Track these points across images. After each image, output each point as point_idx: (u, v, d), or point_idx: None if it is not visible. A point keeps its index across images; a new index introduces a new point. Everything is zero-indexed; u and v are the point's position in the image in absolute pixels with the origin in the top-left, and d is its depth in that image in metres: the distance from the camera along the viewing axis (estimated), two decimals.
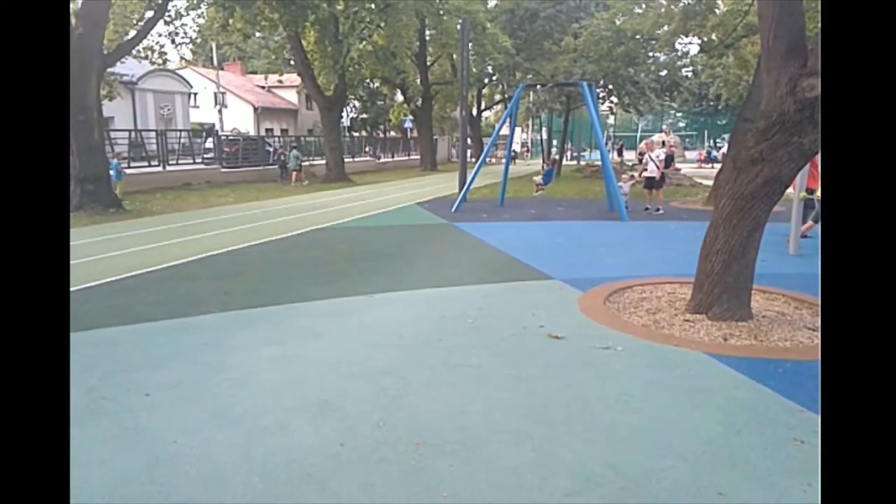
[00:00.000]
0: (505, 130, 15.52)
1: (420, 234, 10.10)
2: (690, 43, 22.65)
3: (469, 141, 23.99)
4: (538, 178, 15.16)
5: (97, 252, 8.33)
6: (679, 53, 22.87)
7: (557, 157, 26.93)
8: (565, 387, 3.70)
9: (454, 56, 28.99)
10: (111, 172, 15.42)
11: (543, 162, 16.71)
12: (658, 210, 12.70)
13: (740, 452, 2.90)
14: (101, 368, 3.98)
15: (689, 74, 25.40)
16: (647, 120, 46.71)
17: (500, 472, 2.73)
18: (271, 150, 25.11)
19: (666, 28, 17.98)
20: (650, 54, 21.20)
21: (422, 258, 7.93)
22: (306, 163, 22.47)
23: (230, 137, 25.15)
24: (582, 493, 2.58)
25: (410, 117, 33.87)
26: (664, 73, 22.87)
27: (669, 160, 16.63)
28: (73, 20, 12.48)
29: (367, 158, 32.40)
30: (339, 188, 19.99)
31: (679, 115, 51.39)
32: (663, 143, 18.78)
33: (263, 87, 41.01)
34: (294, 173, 20.71)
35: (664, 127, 39.34)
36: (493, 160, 34.14)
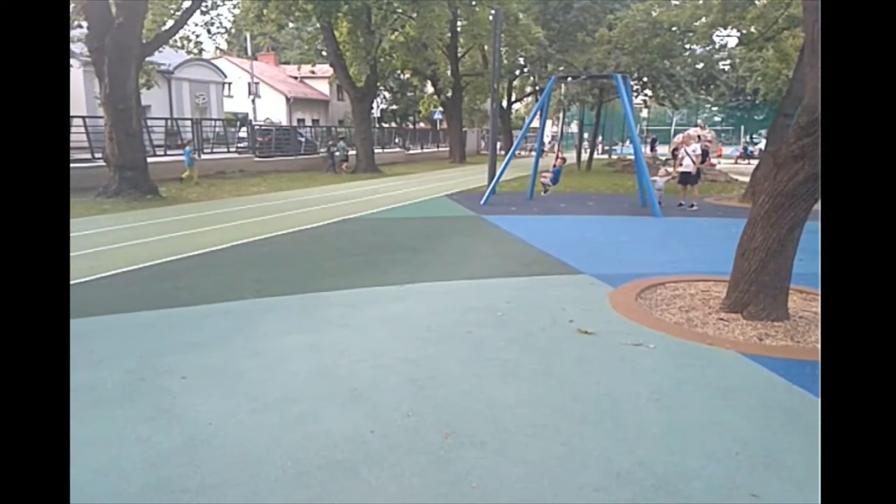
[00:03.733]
0: (535, 123, 15.37)
1: (449, 227, 10.10)
2: (729, 35, 22.11)
3: (499, 133, 23.86)
4: (546, 178, 14.05)
5: (135, 237, 8.55)
6: (717, 46, 22.31)
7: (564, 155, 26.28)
8: (595, 383, 3.67)
9: (485, 47, 28.78)
10: (184, 159, 16.25)
11: (557, 157, 14.80)
12: (692, 206, 12.46)
13: (774, 454, 2.85)
14: (138, 351, 4.09)
15: (727, 68, 24.75)
16: (681, 114, 45.75)
17: (528, 466, 2.73)
18: (303, 140, 25.40)
19: (704, 20, 17.54)
20: (687, 46, 20.72)
21: (450, 250, 7.94)
22: (337, 153, 22.93)
23: (263, 127, 25.50)
24: (611, 489, 2.56)
25: (440, 109, 33.83)
26: (701, 65, 22.33)
27: (705, 155, 16.27)
28: (113, 10, 12.77)
29: (397, 150, 32.51)
30: (369, 179, 20.11)
31: (715, 109, 50.21)
32: (699, 137, 18.39)
33: (296, 78, 41.41)
34: (342, 163, 22.11)
35: (699, 121, 38.49)
36: (523, 153, 33.94)
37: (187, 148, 17.11)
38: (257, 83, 35.52)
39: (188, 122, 21.46)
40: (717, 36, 20.96)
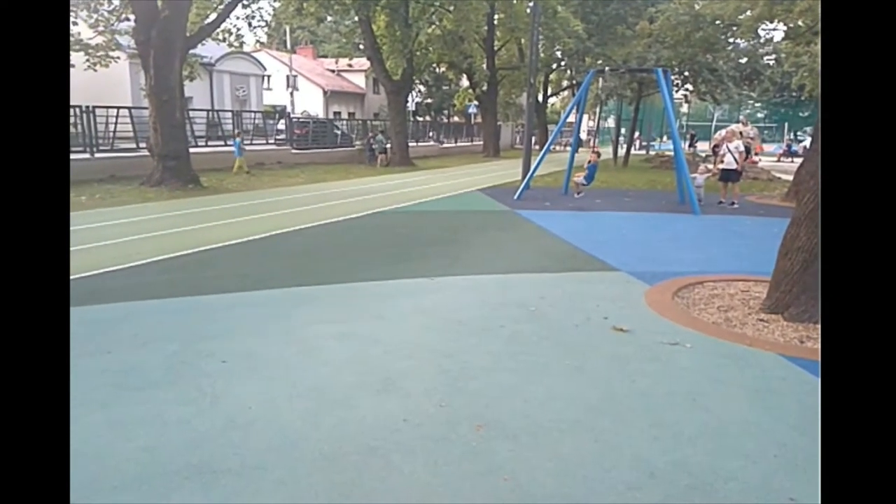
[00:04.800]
0: (572, 117, 15.19)
1: (482, 221, 10.10)
2: (775, 29, 21.36)
3: (534, 128, 23.68)
4: (579, 177, 13.01)
5: (176, 225, 8.79)
6: (762, 40, 21.63)
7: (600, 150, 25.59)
8: (629, 381, 3.64)
9: (522, 41, 28.56)
10: (234, 149, 16.82)
11: (591, 153, 13.47)
12: (733, 204, 12.16)
13: (814, 458, 2.78)
14: (180, 335, 4.22)
15: (772, 62, 23.99)
16: (723, 109, 44.55)
17: (560, 461, 2.73)
18: (339, 133, 25.68)
19: (749, 13, 17.02)
20: (730, 40, 20.15)
21: (483, 244, 7.93)
22: (376, 146, 23.29)
23: (301, 120, 25.85)
24: (645, 487, 2.54)
25: (475, 103, 33.71)
26: (744, 60, 21.70)
27: (747, 152, 15.82)
28: (159, 4, 13.10)
29: (431, 143, 32.54)
30: (403, 172, 20.21)
31: (758, 105, 48.73)
32: (740, 134, 17.91)
33: (333, 71, 41.81)
34: (380, 156, 22.42)
35: (741, 117, 37.45)
36: (558, 147, 33.59)
37: (237, 139, 17.62)
38: (295, 76, 36.00)
39: (229, 114, 21.91)
40: (763, 30, 20.32)
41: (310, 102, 37.92)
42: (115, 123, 16.31)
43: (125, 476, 2.54)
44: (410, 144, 25.25)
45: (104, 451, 2.72)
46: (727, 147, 12.30)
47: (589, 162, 12.71)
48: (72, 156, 14.86)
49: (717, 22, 17.98)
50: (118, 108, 16.65)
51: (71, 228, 8.20)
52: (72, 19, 14.94)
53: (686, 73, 21.77)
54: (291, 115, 26.48)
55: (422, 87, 39.27)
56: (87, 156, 15.08)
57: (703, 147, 31.77)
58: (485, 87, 30.81)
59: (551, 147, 16.46)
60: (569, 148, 16.48)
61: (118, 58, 16.64)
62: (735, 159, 12.08)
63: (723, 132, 18.09)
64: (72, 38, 14.69)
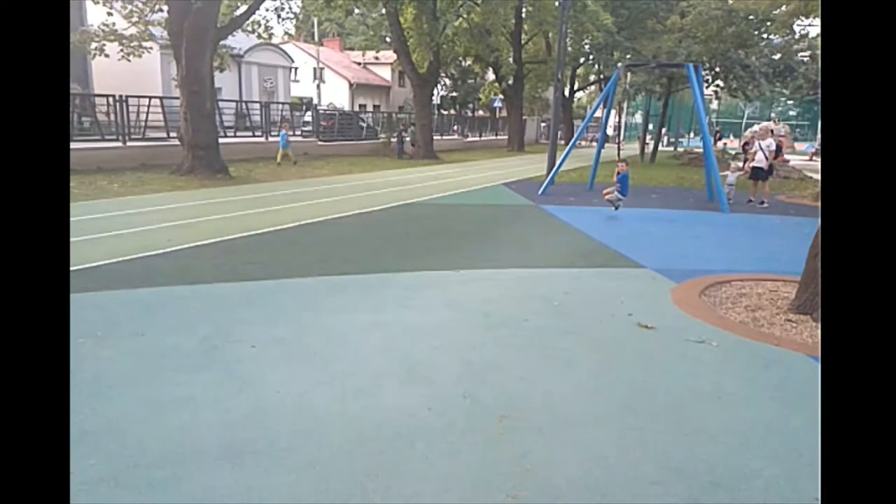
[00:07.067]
0: (599, 112, 15.05)
1: (506, 215, 10.09)
2: (810, 25, 20.87)
3: (560, 123, 23.51)
4: (612, 193, 10.22)
5: (206, 214, 8.97)
6: (797, 36, 21.13)
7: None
8: (654, 377, 3.63)
9: (549, 34, 28.32)
10: (279, 140, 17.27)
11: (618, 163, 10.74)
12: (763, 203, 11.94)
13: None
14: (212, 320, 4.33)
15: (806, 59, 23.42)
16: (754, 106, 43.69)
17: (584, 453, 2.75)
18: (364, 125, 25.84)
19: (784, 8, 16.65)
20: (764, 36, 19.72)
21: (507, 238, 7.94)
22: (408, 138, 23.64)
23: (327, 112, 26.06)
24: (668, 482, 2.55)
25: (500, 97, 33.58)
26: (778, 56, 21.22)
27: (778, 151, 15.52)
28: None
29: (455, 137, 32.54)
30: (428, 165, 20.26)
31: (790, 102, 47.62)
32: (771, 132, 17.55)
33: (359, 64, 41.98)
34: (411, 149, 23.09)
35: (772, 115, 36.67)
36: (584, 143, 33.29)
37: (283, 131, 18.14)
38: (322, 68, 36.26)
39: (257, 105, 22.17)
40: (798, 25, 19.87)
41: (336, 95, 38.18)
42: (147, 113, 16.65)
43: (161, 454, 2.63)
44: (435, 138, 25.29)
45: (142, 430, 2.82)
46: (759, 145, 12.08)
47: (618, 172, 10.48)
48: (105, 144, 15.26)
49: (751, 17, 17.63)
50: (150, 97, 16.98)
51: (104, 215, 8.43)
52: (107, 10, 15.27)
53: (717, 69, 21.37)
54: (318, 107, 26.70)
55: (447, 81, 39.22)
56: (119, 144, 15.44)
57: (731, 145, 31.22)
58: (511, 81, 30.66)
59: (577, 142, 16.32)
60: (595, 143, 16.31)
61: (151, 48, 16.93)
62: (765, 157, 11.86)
63: (755, 128, 17.73)
64: (107, 29, 15.03)
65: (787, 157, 23.28)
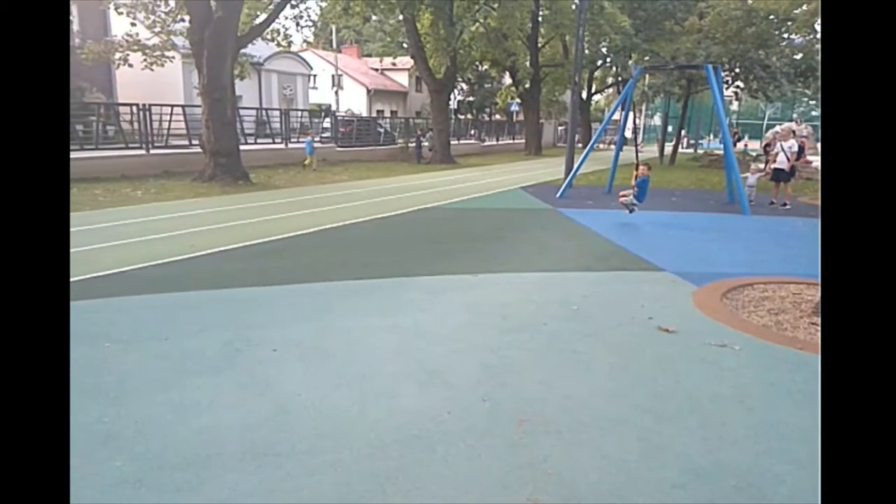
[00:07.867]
0: (617, 115, 14.97)
1: (524, 218, 10.08)
2: None
3: (577, 126, 23.43)
4: (627, 196, 9.84)
5: (228, 220, 9.09)
6: (818, 36, 20.80)
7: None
8: (675, 381, 3.60)
9: (566, 37, 28.24)
10: (304, 147, 18.02)
11: (637, 166, 10.11)
12: (785, 205, 11.77)
13: None
14: (234, 323, 4.39)
15: None
16: (775, 107, 43.04)
17: (604, 457, 2.74)
18: (382, 130, 26.00)
19: (805, 7, 16.42)
20: (785, 36, 19.45)
21: (525, 242, 7.93)
22: (426, 143, 23.79)
23: (345, 118, 26.27)
24: (690, 486, 2.53)
25: (517, 100, 33.53)
26: (799, 56, 20.90)
27: (800, 152, 15.27)
28: (213, 4, 13.54)
29: (472, 141, 32.54)
30: (445, 170, 20.30)
31: (812, 103, 46.85)
32: (793, 132, 17.28)
33: (377, 70, 42.28)
34: (429, 153, 23.21)
35: (794, 116, 36.08)
36: (602, 146, 33.09)
37: (308, 138, 18.62)
38: (341, 75, 36.56)
39: (276, 113, 22.44)
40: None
41: (354, 101, 38.47)
42: (170, 121, 16.95)
43: (185, 456, 2.68)
44: (452, 142, 25.34)
45: (166, 432, 2.88)
46: (781, 146, 11.91)
47: (636, 176, 9.97)
48: (129, 152, 15.55)
49: (771, 17, 17.41)
50: (172, 106, 17.29)
51: (129, 221, 8.60)
52: (130, 21, 15.61)
53: (737, 70, 21.12)
54: (336, 114, 26.93)
55: (464, 85, 39.30)
56: (142, 152, 15.72)
57: (752, 146, 30.80)
58: (528, 85, 30.60)
59: (595, 145, 16.25)
60: (613, 146, 16.19)
61: (173, 57, 17.23)
62: (787, 158, 11.68)
63: (777, 129, 17.47)
64: (130, 39, 15.35)
65: (809, 157, 22.91)
